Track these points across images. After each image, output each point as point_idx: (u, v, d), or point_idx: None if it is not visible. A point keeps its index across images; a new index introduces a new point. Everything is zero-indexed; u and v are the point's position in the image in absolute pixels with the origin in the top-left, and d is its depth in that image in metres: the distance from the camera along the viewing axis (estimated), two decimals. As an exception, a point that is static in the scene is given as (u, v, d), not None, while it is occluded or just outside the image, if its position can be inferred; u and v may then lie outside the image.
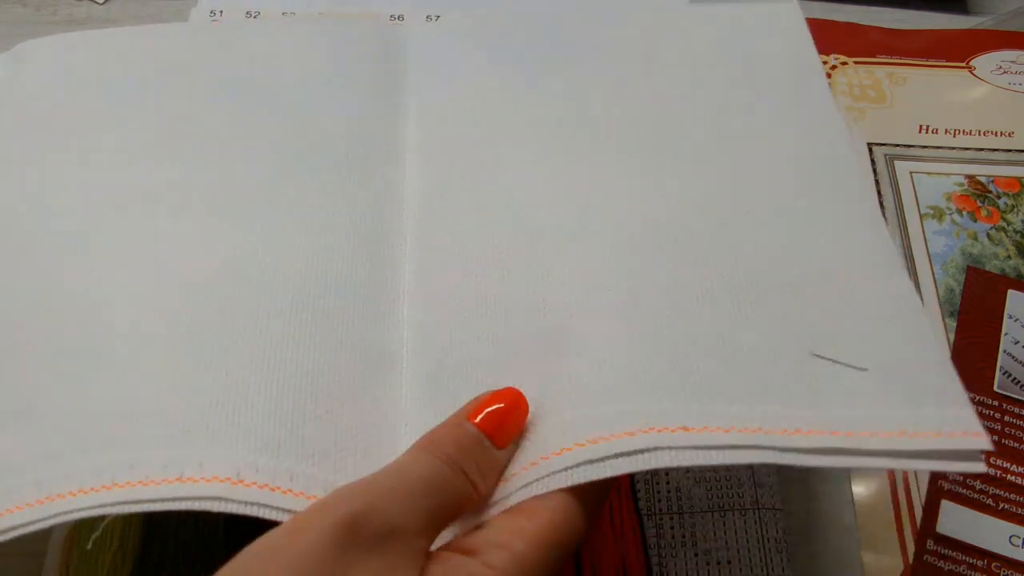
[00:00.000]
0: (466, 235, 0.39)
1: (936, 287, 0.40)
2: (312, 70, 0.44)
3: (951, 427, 0.29)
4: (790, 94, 0.43)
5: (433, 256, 0.38)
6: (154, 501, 0.28)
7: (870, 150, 0.44)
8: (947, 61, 0.48)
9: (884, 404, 0.30)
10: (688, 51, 0.45)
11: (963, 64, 0.47)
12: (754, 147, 0.41)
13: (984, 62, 0.47)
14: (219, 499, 0.28)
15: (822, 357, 0.31)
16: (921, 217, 0.42)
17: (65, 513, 0.28)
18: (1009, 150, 0.44)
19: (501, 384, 0.33)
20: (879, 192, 0.43)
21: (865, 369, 0.31)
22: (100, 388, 0.32)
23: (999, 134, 0.45)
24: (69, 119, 0.43)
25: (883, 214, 0.41)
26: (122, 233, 0.39)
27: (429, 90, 0.44)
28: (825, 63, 0.47)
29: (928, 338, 0.31)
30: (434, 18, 0.53)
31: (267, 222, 0.38)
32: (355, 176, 0.40)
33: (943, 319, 0.39)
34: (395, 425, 0.33)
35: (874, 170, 0.43)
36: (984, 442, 0.28)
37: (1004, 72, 0.47)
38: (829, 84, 0.43)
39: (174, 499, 0.28)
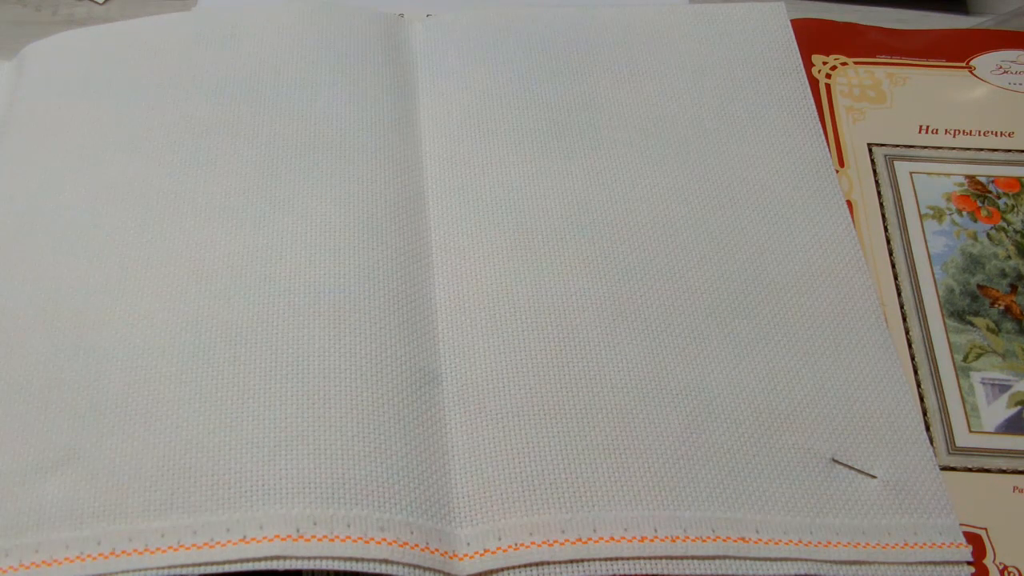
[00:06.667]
0: (483, 238, 0.39)
1: (936, 287, 0.40)
2: (319, 68, 0.44)
3: (943, 538, 0.31)
4: (771, 95, 0.44)
5: (456, 262, 0.38)
6: (220, 563, 0.29)
7: (870, 151, 0.44)
8: (947, 61, 0.48)
9: (884, 514, 0.33)
10: (680, 54, 0.46)
11: (963, 64, 0.47)
12: (738, 149, 0.43)
13: (984, 62, 0.47)
14: (281, 557, 0.29)
15: (839, 462, 0.33)
16: (921, 217, 0.42)
17: (133, 571, 0.30)
18: (1009, 150, 0.44)
19: (540, 395, 0.34)
20: (879, 193, 0.43)
21: (875, 477, 0.33)
22: (147, 436, 0.33)
23: (999, 134, 0.45)
24: (72, 121, 0.43)
25: (883, 214, 0.42)
26: (126, 235, 0.39)
27: (437, 93, 0.44)
28: (825, 63, 0.47)
29: (921, 444, 0.35)
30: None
31: (284, 227, 0.38)
32: (375, 180, 0.40)
33: (943, 319, 0.39)
34: (443, 448, 0.33)
35: (874, 171, 0.43)
36: (966, 553, 0.32)
37: (1004, 72, 0.47)
38: (808, 84, 0.45)
39: (239, 560, 0.29)
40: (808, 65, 0.47)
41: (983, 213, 0.42)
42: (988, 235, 0.42)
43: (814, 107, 0.45)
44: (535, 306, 0.37)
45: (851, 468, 0.34)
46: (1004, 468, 0.35)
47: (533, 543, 0.31)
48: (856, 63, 0.47)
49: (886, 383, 0.36)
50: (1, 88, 0.46)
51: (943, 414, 0.37)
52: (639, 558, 0.31)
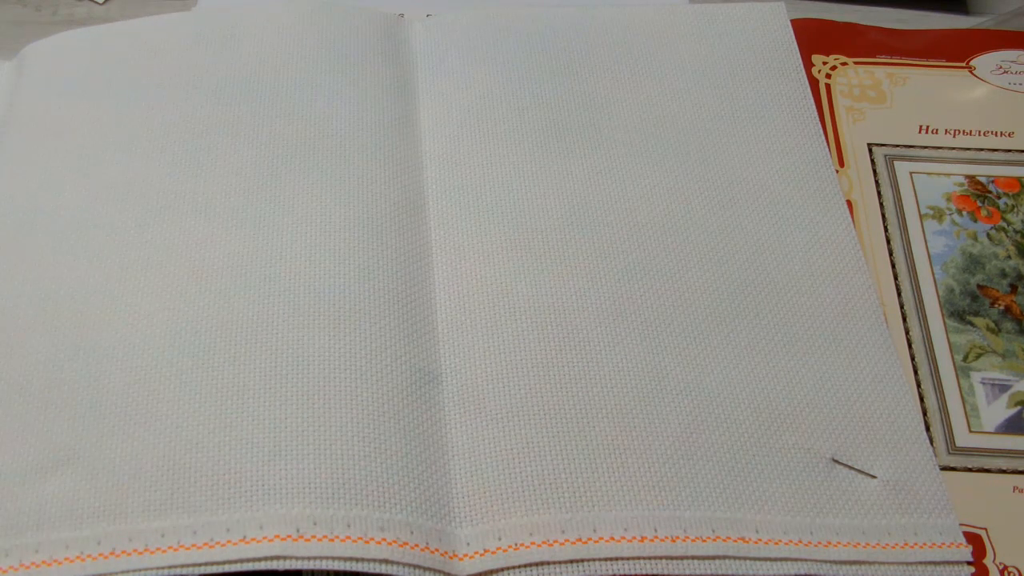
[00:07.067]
0: (483, 238, 0.39)
1: (936, 287, 0.40)
2: (319, 68, 0.44)
3: (943, 538, 0.32)
4: (771, 95, 0.45)
5: (456, 262, 0.38)
6: (220, 563, 0.30)
7: (870, 151, 0.44)
8: (947, 61, 0.48)
9: (884, 514, 0.33)
10: (680, 54, 0.46)
11: (963, 64, 0.47)
12: (738, 149, 0.43)
13: (984, 62, 0.47)
14: (281, 557, 0.29)
15: (839, 462, 0.33)
16: (921, 217, 0.42)
17: (133, 571, 0.30)
18: (1009, 150, 0.44)
19: (540, 396, 0.34)
20: (879, 193, 0.43)
21: (875, 477, 0.33)
22: (147, 436, 0.33)
23: (999, 134, 0.45)
24: (73, 121, 0.43)
25: (883, 214, 0.42)
26: (127, 234, 0.39)
27: (437, 93, 0.44)
28: (825, 63, 0.47)
29: (921, 444, 0.35)
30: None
31: (284, 227, 0.38)
32: (375, 180, 0.40)
33: (943, 319, 0.39)
34: (443, 448, 0.33)
35: (874, 171, 0.43)
36: (966, 553, 0.32)
37: (1004, 72, 0.47)
38: (808, 84, 0.45)
39: (239, 560, 0.30)
40: (808, 65, 0.47)
41: (983, 213, 0.42)
42: (988, 235, 0.42)
43: (814, 107, 0.45)
44: (535, 306, 0.37)
45: (851, 468, 0.34)
46: (1004, 468, 0.35)
47: (533, 543, 0.31)
48: (856, 63, 0.47)
49: (886, 383, 0.36)
50: (1, 88, 0.46)
51: (943, 414, 0.37)
52: (639, 558, 0.31)
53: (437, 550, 0.31)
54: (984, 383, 0.37)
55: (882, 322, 0.38)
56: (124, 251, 0.38)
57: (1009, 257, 0.41)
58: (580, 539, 0.31)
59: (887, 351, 0.37)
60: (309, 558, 0.29)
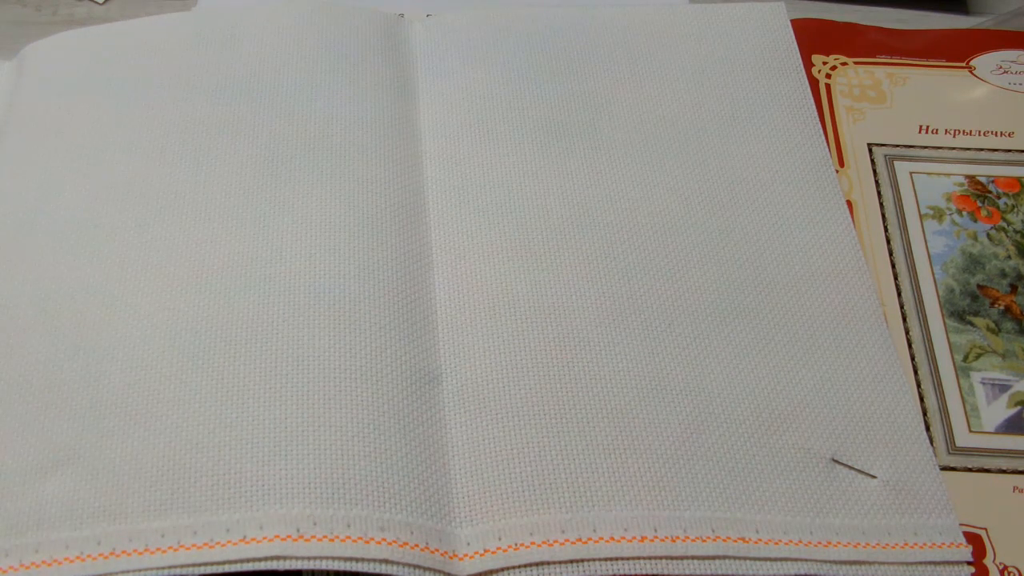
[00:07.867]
0: (483, 238, 0.39)
1: (936, 287, 0.40)
2: (319, 68, 0.44)
3: (943, 538, 0.32)
4: (771, 95, 0.45)
5: (456, 262, 0.38)
6: (220, 563, 0.30)
7: (870, 151, 0.44)
8: (947, 61, 0.48)
9: (884, 515, 0.33)
10: (680, 54, 0.46)
11: (963, 64, 0.47)
12: (738, 149, 0.43)
13: (984, 62, 0.47)
14: (281, 557, 0.29)
15: (839, 462, 0.33)
16: (921, 217, 0.42)
17: (133, 571, 0.30)
18: (1009, 150, 0.44)
19: (540, 396, 0.34)
20: (879, 193, 0.43)
21: (875, 477, 0.33)
22: (147, 436, 0.33)
23: (999, 134, 0.45)
24: (73, 121, 0.43)
25: (883, 214, 0.42)
26: (127, 235, 0.39)
27: (437, 93, 0.44)
28: (825, 63, 0.47)
29: (921, 443, 0.35)
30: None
31: (284, 227, 0.38)
32: (375, 180, 0.40)
33: (943, 319, 0.39)
34: (443, 448, 0.33)
35: (874, 171, 0.43)
36: (966, 553, 0.32)
37: (1004, 72, 0.47)
38: (808, 84, 0.45)
39: (239, 560, 0.30)
40: (808, 65, 0.47)
41: (983, 213, 0.42)
42: (988, 235, 0.42)
43: (814, 107, 0.45)
44: (535, 306, 0.37)
45: (851, 468, 0.34)
46: (1004, 468, 0.35)
47: (533, 543, 0.31)
48: (856, 63, 0.47)
49: (886, 383, 0.36)
50: (1, 88, 0.46)
51: (943, 414, 0.37)
52: (639, 558, 0.31)
53: (437, 550, 0.31)
54: (984, 383, 0.37)
55: (882, 322, 0.38)
56: (124, 251, 0.38)
57: (1009, 257, 0.41)
58: (580, 539, 0.31)
59: (887, 351, 0.37)
60: (309, 558, 0.29)
